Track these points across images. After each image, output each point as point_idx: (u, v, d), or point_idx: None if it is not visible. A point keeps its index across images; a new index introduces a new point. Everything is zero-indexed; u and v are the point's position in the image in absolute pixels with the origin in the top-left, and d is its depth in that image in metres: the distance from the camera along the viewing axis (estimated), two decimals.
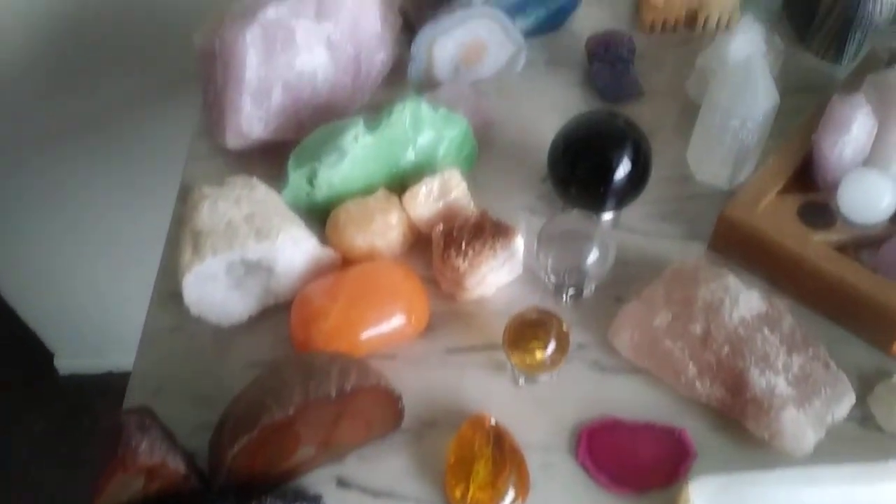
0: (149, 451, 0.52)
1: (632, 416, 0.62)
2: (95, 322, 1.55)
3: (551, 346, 0.61)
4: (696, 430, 0.61)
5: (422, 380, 0.65)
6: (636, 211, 0.75)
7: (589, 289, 0.68)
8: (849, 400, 0.60)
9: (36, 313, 1.52)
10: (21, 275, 1.40)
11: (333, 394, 0.53)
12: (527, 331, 0.62)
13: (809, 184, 0.72)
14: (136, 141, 1.20)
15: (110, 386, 1.73)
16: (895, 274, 0.64)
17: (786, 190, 0.71)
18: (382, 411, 0.59)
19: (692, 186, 0.77)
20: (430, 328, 0.68)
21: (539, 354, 0.61)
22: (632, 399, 0.63)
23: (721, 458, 0.59)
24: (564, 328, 0.62)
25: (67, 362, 1.67)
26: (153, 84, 1.13)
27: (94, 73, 1.09)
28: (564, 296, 0.68)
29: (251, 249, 0.64)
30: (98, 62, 1.08)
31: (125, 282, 1.41)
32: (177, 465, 0.53)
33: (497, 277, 0.69)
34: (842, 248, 0.67)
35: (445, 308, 0.69)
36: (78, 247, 1.37)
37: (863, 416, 0.61)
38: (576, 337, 0.66)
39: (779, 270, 0.67)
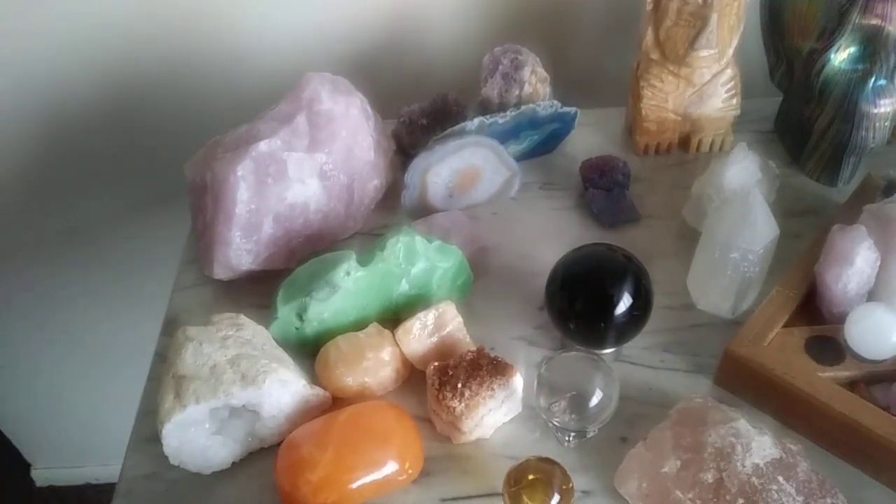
0: None
1: None
2: (74, 433, 1.51)
3: (555, 499, 0.58)
4: None
5: None
6: (638, 342, 0.72)
7: (592, 430, 0.65)
8: None
9: (13, 422, 1.48)
10: (0, 383, 1.36)
11: None
12: (528, 485, 0.58)
13: (815, 314, 0.70)
14: (125, 255, 1.19)
15: (87, 498, 1.67)
16: None
17: (791, 322, 0.69)
18: None
19: (694, 315, 0.75)
20: (425, 473, 0.64)
21: None
22: None
23: None
24: (569, 483, 0.58)
25: (44, 473, 1.60)
26: (143, 199, 1.13)
27: (84, 187, 1.10)
28: (567, 438, 0.65)
29: (236, 396, 0.61)
30: (87, 175, 1.09)
31: (106, 393, 1.38)
32: None
33: (495, 418, 0.66)
34: (853, 384, 0.65)
35: (441, 450, 0.65)
36: (60, 358, 1.35)
37: None
38: (580, 483, 0.62)
39: (789, 408, 0.64)
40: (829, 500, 0.57)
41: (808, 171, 0.87)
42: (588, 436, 0.65)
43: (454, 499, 0.62)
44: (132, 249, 1.18)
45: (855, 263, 0.66)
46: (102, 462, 1.57)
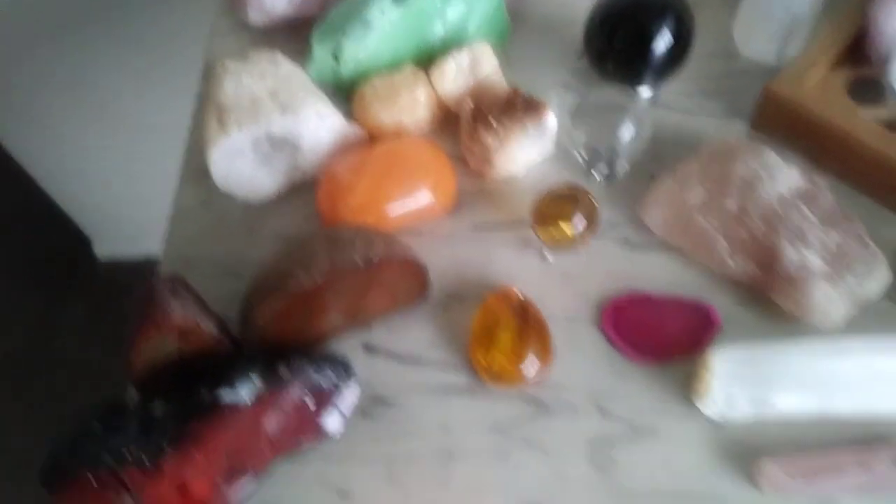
0: (181, 312, 0.53)
1: (659, 291, 0.61)
2: (130, 207, 1.57)
3: (580, 222, 0.60)
4: (723, 305, 0.60)
5: (449, 255, 0.65)
6: (676, 87, 0.71)
7: (622, 167, 0.66)
8: (883, 277, 0.58)
9: (72, 201, 1.56)
10: (53, 163, 1.42)
11: (361, 264, 0.53)
12: (555, 205, 0.61)
13: (863, 59, 0.68)
14: (158, 21, 1.18)
15: (149, 270, 1.78)
16: None
17: (837, 65, 0.67)
18: (409, 283, 0.59)
19: (737, 62, 0.73)
20: (458, 206, 0.67)
21: (567, 229, 0.60)
22: (660, 275, 0.62)
23: (748, 331, 0.59)
24: (594, 203, 0.61)
25: (106, 248, 1.71)
26: None
27: None
28: (597, 174, 0.67)
29: (276, 123, 0.63)
30: None
31: (156, 167, 1.41)
32: (209, 327, 0.55)
33: (527, 155, 0.68)
34: (892, 126, 0.64)
35: (474, 186, 0.68)
36: (106, 133, 1.37)
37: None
38: (607, 214, 0.65)
39: (824, 148, 0.64)
40: (848, 228, 0.59)
41: None
42: (618, 173, 0.67)
43: (486, 225, 0.66)
44: (165, 15, 1.16)
45: None
46: (160, 236, 1.66)
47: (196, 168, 0.71)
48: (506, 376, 0.57)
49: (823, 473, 0.52)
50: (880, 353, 0.54)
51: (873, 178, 0.63)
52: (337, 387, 0.55)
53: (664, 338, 0.59)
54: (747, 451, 0.54)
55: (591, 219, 0.61)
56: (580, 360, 0.59)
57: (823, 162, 0.65)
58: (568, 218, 0.60)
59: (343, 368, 0.56)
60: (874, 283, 0.58)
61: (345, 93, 0.72)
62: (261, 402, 0.52)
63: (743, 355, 0.54)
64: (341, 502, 0.54)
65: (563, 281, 0.63)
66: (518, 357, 0.57)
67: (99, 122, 1.34)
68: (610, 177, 0.67)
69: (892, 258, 0.59)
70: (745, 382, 0.53)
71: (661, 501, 0.53)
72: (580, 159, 0.66)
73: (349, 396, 0.55)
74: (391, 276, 0.57)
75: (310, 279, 0.53)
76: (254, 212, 0.69)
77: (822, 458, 0.52)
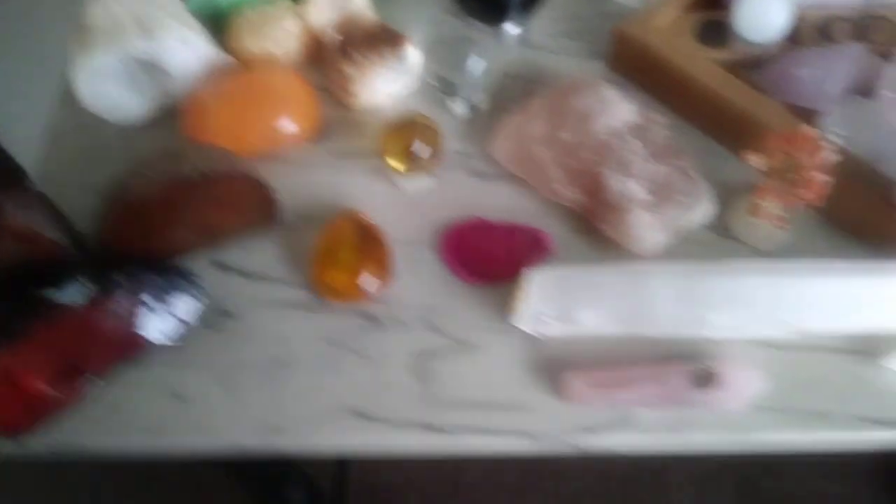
0: (22, 220, 0.56)
1: (499, 218, 0.64)
2: None
3: (423, 149, 0.63)
4: (559, 233, 0.63)
5: (306, 181, 0.67)
6: (545, 28, 0.74)
7: (479, 100, 0.69)
8: (706, 209, 0.62)
9: None
10: None
11: (197, 177, 0.56)
12: (399, 134, 0.63)
13: (718, 2, 0.70)
14: None
15: None
16: (779, 92, 0.64)
17: (691, 8, 0.70)
18: (254, 202, 0.62)
19: (605, 5, 0.76)
20: (321, 134, 0.70)
21: (410, 157, 0.63)
22: (503, 204, 0.65)
23: (578, 258, 0.62)
24: (437, 131, 0.63)
25: None
26: None
27: None
28: (457, 107, 0.69)
29: (137, 47, 0.65)
30: None
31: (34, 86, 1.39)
32: (56, 236, 0.58)
33: (389, 87, 0.70)
34: (734, 68, 0.67)
35: (338, 116, 0.71)
36: None
37: (722, 226, 0.63)
38: (461, 146, 0.68)
39: (667, 87, 0.67)
40: (675, 161, 0.62)
41: None
42: (478, 107, 0.69)
43: (345, 154, 0.69)
44: None
45: None
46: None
47: (67, 90, 0.72)
48: (344, 292, 0.61)
49: (620, 386, 0.55)
50: (686, 278, 0.57)
51: (710, 117, 0.66)
52: (172, 295, 0.58)
53: (497, 261, 0.62)
54: (556, 365, 0.57)
55: (435, 146, 0.63)
56: (417, 281, 0.62)
57: (668, 100, 0.68)
58: (410, 145, 0.63)
59: (182, 278, 0.59)
60: (697, 214, 0.62)
61: (222, 24, 0.74)
62: (94, 305, 0.55)
63: (554, 276, 0.57)
64: (177, 405, 0.58)
65: (412, 208, 0.66)
66: (356, 274, 0.60)
67: None
68: (469, 110, 0.69)
69: (725, 193, 0.63)
70: (554, 301, 0.56)
71: (472, 410, 0.57)
72: (439, 93, 0.69)
73: (185, 305, 0.58)
74: (233, 193, 0.60)
75: (145, 189, 0.55)
76: (127, 135, 0.71)
77: (620, 372, 0.56)
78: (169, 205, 0.57)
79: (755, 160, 0.57)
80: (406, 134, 0.63)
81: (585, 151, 0.62)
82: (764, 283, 0.57)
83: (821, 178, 0.55)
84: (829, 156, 0.55)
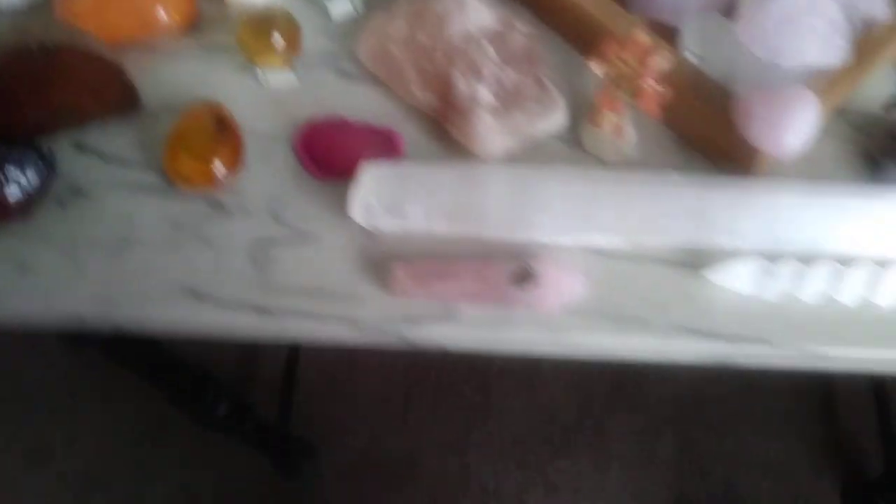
0: None
1: (358, 118, 0.65)
2: None
3: (279, 42, 0.64)
4: (413, 135, 0.64)
5: (174, 70, 0.68)
6: None
7: (355, 4, 0.69)
8: (557, 119, 0.62)
9: None
10: None
11: (35, 49, 0.57)
12: (256, 28, 0.64)
13: None
14: None
15: None
16: (642, 6, 0.64)
17: None
18: (115, 87, 0.63)
19: None
20: (195, 27, 0.70)
21: (269, 48, 0.64)
22: (364, 104, 0.66)
23: (430, 160, 0.63)
24: (296, 25, 0.64)
25: None
26: None
27: None
28: (332, 6, 0.69)
29: None
30: None
31: None
32: None
33: None
34: None
35: (213, 10, 0.70)
36: None
37: (575, 137, 0.64)
38: (331, 45, 0.69)
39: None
40: (529, 69, 0.63)
41: None
42: (355, 9, 0.69)
43: (216, 47, 0.69)
44: None
45: None
46: None
47: None
48: (193, 178, 0.62)
49: (440, 278, 0.57)
50: (516, 179, 0.58)
51: (571, 27, 0.65)
52: (22, 167, 0.59)
53: (348, 159, 0.63)
54: (388, 259, 0.59)
55: (292, 39, 0.64)
56: (268, 173, 0.63)
57: (534, 8, 0.67)
58: (267, 38, 0.63)
59: (36, 152, 0.60)
60: (547, 123, 0.62)
61: None
62: None
63: (387, 170, 0.58)
64: (21, 275, 0.60)
65: (274, 104, 0.66)
66: (206, 162, 0.61)
67: None
68: (346, 11, 0.69)
69: (580, 105, 0.63)
70: (385, 194, 0.57)
71: (303, 297, 0.58)
72: None
73: (34, 178, 0.60)
74: (79, 70, 0.60)
75: None
76: (11, 19, 0.71)
77: (444, 266, 0.57)
78: (15, 81, 0.58)
79: (595, 67, 0.57)
80: (265, 27, 0.63)
81: (439, 54, 0.62)
82: (592, 191, 0.58)
83: (653, 87, 0.56)
84: (661, 63, 0.55)
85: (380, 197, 0.57)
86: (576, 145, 0.64)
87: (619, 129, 0.59)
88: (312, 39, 0.68)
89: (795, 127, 0.54)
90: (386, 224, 0.58)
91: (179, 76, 0.68)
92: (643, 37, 0.55)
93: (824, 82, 0.58)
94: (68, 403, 1.32)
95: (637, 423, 1.30)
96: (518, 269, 0.56)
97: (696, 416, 1.30)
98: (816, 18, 0.56)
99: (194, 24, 0.70)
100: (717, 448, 1.28)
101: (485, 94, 0.60)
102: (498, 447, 1.28)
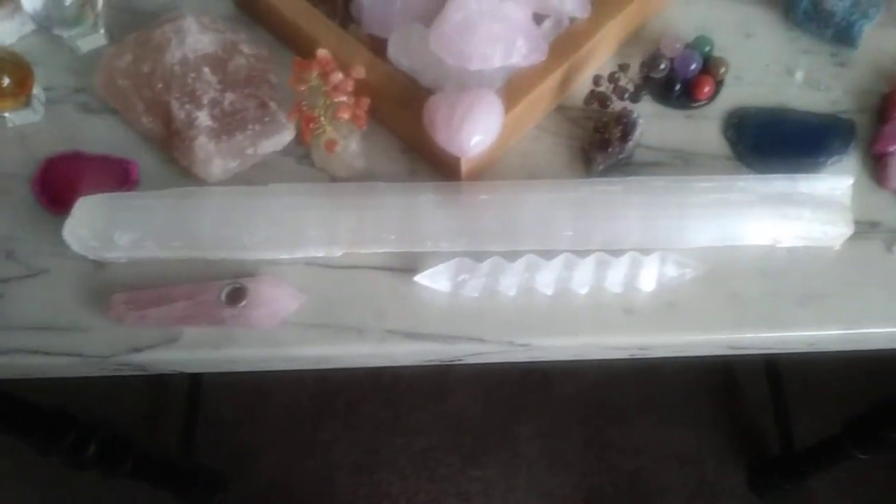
0: None
1: (97, 151, 0.66)
2: None
3: (7, 83, 0.65)
4: (149, 164, 0.65)
5: None
6: None
7: (92, 36, 0.70)
8: (282, 138, 0.64)
9: None
10: None
11: None
12: None
13: None
14: None
15: None
16: (362, 22, 0.65)
17: None
18: None
19: None
20: None
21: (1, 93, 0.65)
22: (104, 137, 0.67)
23: (162, 187, 0.64)
24: (22, 64, 0.65)
25: None
26: None
27: None
28: (85, 45, 0.70)
29: None
30: None
31: None
32: None
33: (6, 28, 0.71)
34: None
35: None
36: None
37: (304, 154, 0.65)
38: (75, 82, 0.70)
39: (265, 17, 0.68)
40: (252, 92, 0.64)
41: None
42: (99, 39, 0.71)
43: None
44: None
45: None
46: None
47: None
48: None
49: (158, 304, 0.58)
50: (227, 199, 0.60)
51: (300, 47, 0.66)
52: None
53: (82, 193, 0.64)
54: (112, 288, 0.60)
55: (22, 80, 0.65)
56: (3, 212, 0.64)
57: (271, 29, 0.69)
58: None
59: None
60: (271, 143, 0.64)
61: None
62: None
63: (97, 200, 0.60)
64: None
65: (17, 142, 0.67)
66: None
67: None
68: (84, 46, 0.70)
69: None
70: (94, 224, 0.59)
71: (32, 332, 0.59)
72: (53, 30, 0.70)
73: None
74: None
75: None
76: None
77: (161, 292, 0.59)
78: None
79: (292, 87, 0.59)
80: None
81: (159, 83, 0.63)
82: (303, 205, 0.59)
83: (345, 101, 0.57)
84: (356, 74, 0.57)
85: (91, 227, 0.59)
86: (308, 163, 0.65)
87: (333, 144, 0.61)
88: (57, 76, 0.70)
89: (475, 127, 0.56)
90: (102, 254, 0.59)
91: None
92: (325, 54, 0.57)
93: (519, 82, 0.60)
94: None
95: (544, 424, 1.31)
96: (230, 289, 0.58)
97: (602, 412, 1.32)
98: (496, 23, 0.58)
99: None
100: (624, 442, 1.30)
101: (203, 118, 0.62)
102: (409, 462, 1.29)
